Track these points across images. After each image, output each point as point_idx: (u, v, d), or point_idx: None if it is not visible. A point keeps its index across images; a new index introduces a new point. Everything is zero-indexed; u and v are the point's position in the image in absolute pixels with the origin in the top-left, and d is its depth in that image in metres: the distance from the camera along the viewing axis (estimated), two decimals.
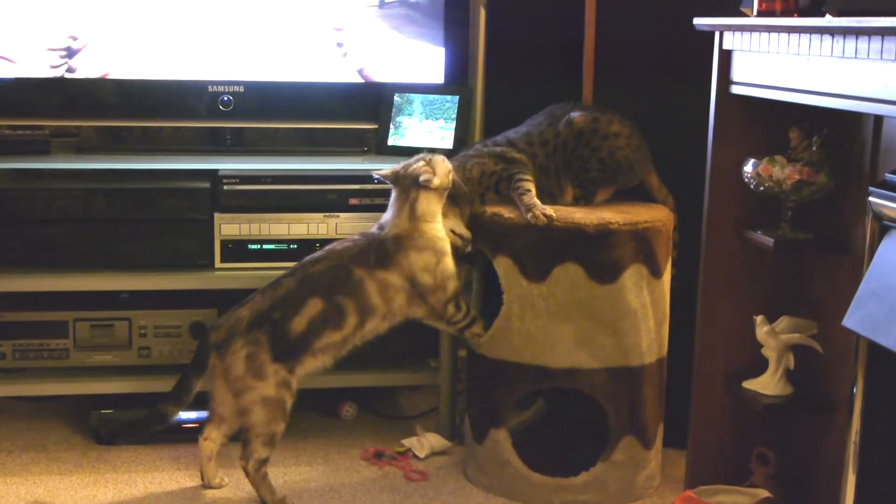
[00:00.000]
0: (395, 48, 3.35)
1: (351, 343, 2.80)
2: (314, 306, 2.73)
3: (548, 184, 2.91)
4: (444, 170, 2.79)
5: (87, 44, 3.23)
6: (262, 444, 2.71)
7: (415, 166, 2.79)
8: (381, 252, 2.76)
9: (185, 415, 3.10)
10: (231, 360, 2.70)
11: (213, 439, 2.82)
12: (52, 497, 2.80)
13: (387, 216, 2.82)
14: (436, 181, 2.75)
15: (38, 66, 3.22)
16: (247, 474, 2.74)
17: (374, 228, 2.83)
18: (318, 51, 3.33)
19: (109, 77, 3.27)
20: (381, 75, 3.35)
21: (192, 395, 2.75)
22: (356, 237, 2.83)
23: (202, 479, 2.87)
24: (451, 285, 2.79)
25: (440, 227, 2.80)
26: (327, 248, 2.83)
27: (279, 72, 3.33)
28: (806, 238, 2.59)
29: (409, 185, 2.77)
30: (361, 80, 3.35)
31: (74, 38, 3.23)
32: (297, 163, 3.25)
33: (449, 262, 2.79)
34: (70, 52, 3.23)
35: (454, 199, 2.87)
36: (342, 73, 3.34)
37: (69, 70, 3.24)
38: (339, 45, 3.33)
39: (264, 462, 2.73)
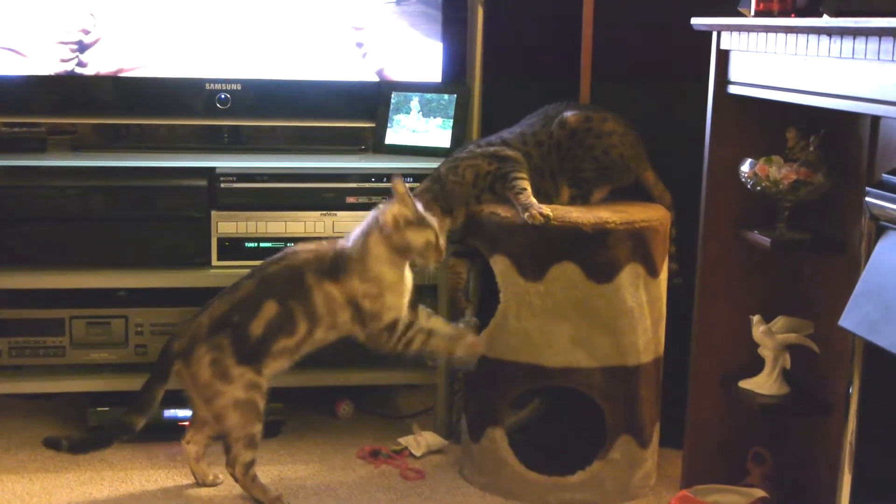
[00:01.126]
0: (394, 46, 3.35)
1: (304, 349, 2.76)
2: (269, 309, 2.69)
3: (543, 184, 2.91)
4: (390, 216, 2.67)
5: (98, 39, 3.23)
6: (243, 447, 2.71)
7: (387, 211, 2.68)
8: (336, 264, 2.71)
9: (181, 412, 3.11)
10: (196, 368, 2.70)
11: (195, 442, 2.82)
12: (48, 494, 2.80)
13: (357, 230, 2.74)
14: (387, 230, 2.68)
15: (47, 60, 3.23)
16: (236, 480, 2.74)
17: (345, 238, 2.76)
18: (318, 49, 3.33)
19: (119, 75, 3.27)
20: (397, 74, 3.35)
21: (155, 403, 2.74)
22: (323, 242, 2.79)
23: (195, 479, 2.86)
24: (388, 316, 2.72)
25: (389, 270, 2.70)
26: (288, 248, 2.81)
27: (276, 70, 3.33)
28: (803, 238, 2.60)
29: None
30: (358, 79, 3.36)
31: (87, 32, 3.23)
32: (294, 161, 3.25)
33: (390, 298, 2.71)
34: (81, 47, 3.24)
35: (447, 204, 2.87)
36: (356, 72, 3.35)
37: (80, 64, 3.24)
38: (359, 44, 3.34)
39: (251, 464, 2.73)
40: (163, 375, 2.73)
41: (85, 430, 3.10)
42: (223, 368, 2.68)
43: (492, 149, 2.91)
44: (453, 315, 3.17)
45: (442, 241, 2.70)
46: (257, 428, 2.72)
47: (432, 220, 2.68)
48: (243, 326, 2.69)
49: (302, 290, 2.70)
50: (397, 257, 2.69)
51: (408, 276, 2.75)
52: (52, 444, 2.81)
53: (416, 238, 2.66)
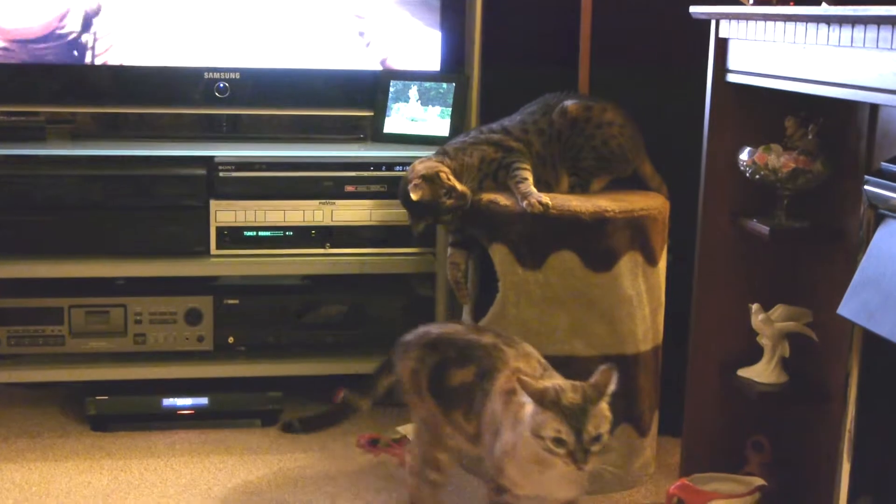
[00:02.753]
0: (393, 35, 3.34)
1: (472, 449, 2.46)
2: (466, 374, 2.41)
3: (544, 173, 2.91)
4: (541, 385, 2.19)
5: (97, 28, 3.23)
6: (423, 463, 2.54)
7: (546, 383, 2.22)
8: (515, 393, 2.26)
9: (180, 401, 3.12)
10: (401, 367, 2.56)
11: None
12: (47, 483, 2.80)
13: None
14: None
15: (46, 49, 3.22)
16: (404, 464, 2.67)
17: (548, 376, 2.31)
18: (316, 38, 3.33)
19: (118, 64, 3.27)
20: (396, 63, 3.35)
21: (378, 389, 2.67)
22: (542, 368, 2.39)
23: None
24: (499, 480, 2.29)
25: (528, 443, 2.20)
26: (529, 348, 2.46)
27: (275, 59, 3.33)
28: (801, 226, 2.59)
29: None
30: (357, 68, 3.35)
31: (86, 21, 3.23)
32: (292, 150, 3.25)
33: (511, 466, 2.26)
34: (80, 36, 3.24)
35: (456, 174, 2.87)
36: (355, 61, 3.34)
37: (79, 53, 3.23)
38: (361, 33, 3.33)
39: (432, 484, 2.55)
40: (391, 365, 2.62)
41: (86, 419, 3.11)
42: (418, 384, 2.52)
43: (496, 136, 2.92)
44: (453, 305, 3.18)
45: (583, 459, 2.15)
46: (440, 455, 2.52)
47: (582, 417, 2.14)
48: (447, 366, 2.46)
49: (488, 386, 2.36)
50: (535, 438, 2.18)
51: (554, 484, 2.27)
52: (288, 428, 2.79)
53: (549, 425, 2.14)
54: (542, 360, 2.43)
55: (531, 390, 2.16)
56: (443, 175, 2.82)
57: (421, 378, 2.50)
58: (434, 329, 2.58)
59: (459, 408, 2.43)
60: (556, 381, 2.24)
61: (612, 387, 2.19)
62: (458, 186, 2.83)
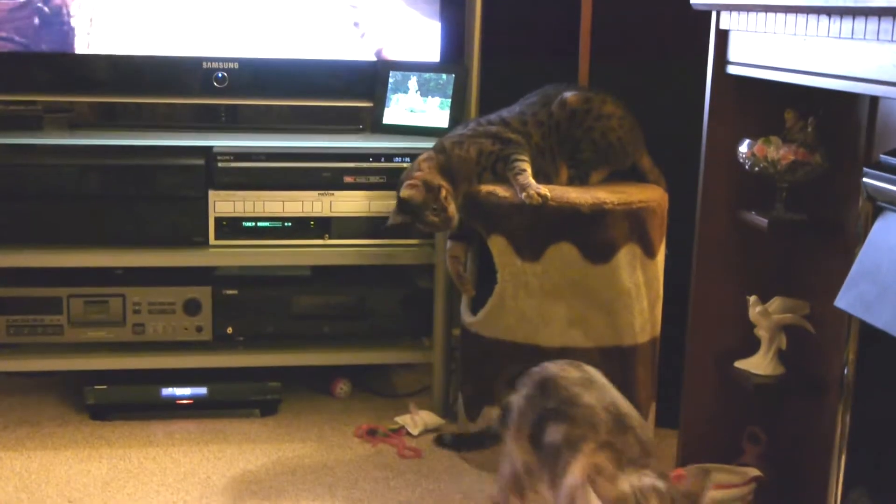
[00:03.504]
0: (392, 26, 3.34)
1: None
2: (556, 433, 2.17)
3: (543, 164, 2.91)
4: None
5: (95, 17, 3.23)
6: (498, 493, 2.38)
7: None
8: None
9: (179, 391, 3.13)
10: (514, 399, 2.35)
11: None
12: (46, 472, 2.81)
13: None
14: None
15: (44, 38, 3.22)
16: None
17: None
18: (316, 28, 3.33)
19: (115, 53, 3.27)
20: (396, 54, 3.35)
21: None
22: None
23: None
24: None
25: None
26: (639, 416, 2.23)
27: (274, 49, 3.33)
28: (800, 219, 2.60)
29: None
30: (356, 59, 3.35)
31: (84, 10, 3.22)
32: (291, 140, 3.24)
33: None
34: (78, 25, 3.23)
35: (451, 176, 2.87)
36: (354, 51, 3.34)
37: (77, 42, 3.22)
38: (357, 24, 3.33)
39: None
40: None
41: (85, 408, 3.11)
42: (520, 427, 2.30)
43: (493, 128, 2.92)
44: (453, 297, 3.18)
45: None
46: (514, 500, 2.33)
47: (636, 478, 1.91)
48: (547, 418, 2.20)
49: (571, 457, 2.09)
50: None
51: None
52: (440, 442, 2.78)
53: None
54: (644, 437, 2.12)
55: (607, 498, 1.88)
56: (443, 192, 2.83)
57: (524, 422, 2.26)
58: (552, 367, 2.32)
59: (545, 470, 2.17)
60: (644, 478, 1.93)
61: (707, 496, 1.89)
62: (450, 210, 2.84)
